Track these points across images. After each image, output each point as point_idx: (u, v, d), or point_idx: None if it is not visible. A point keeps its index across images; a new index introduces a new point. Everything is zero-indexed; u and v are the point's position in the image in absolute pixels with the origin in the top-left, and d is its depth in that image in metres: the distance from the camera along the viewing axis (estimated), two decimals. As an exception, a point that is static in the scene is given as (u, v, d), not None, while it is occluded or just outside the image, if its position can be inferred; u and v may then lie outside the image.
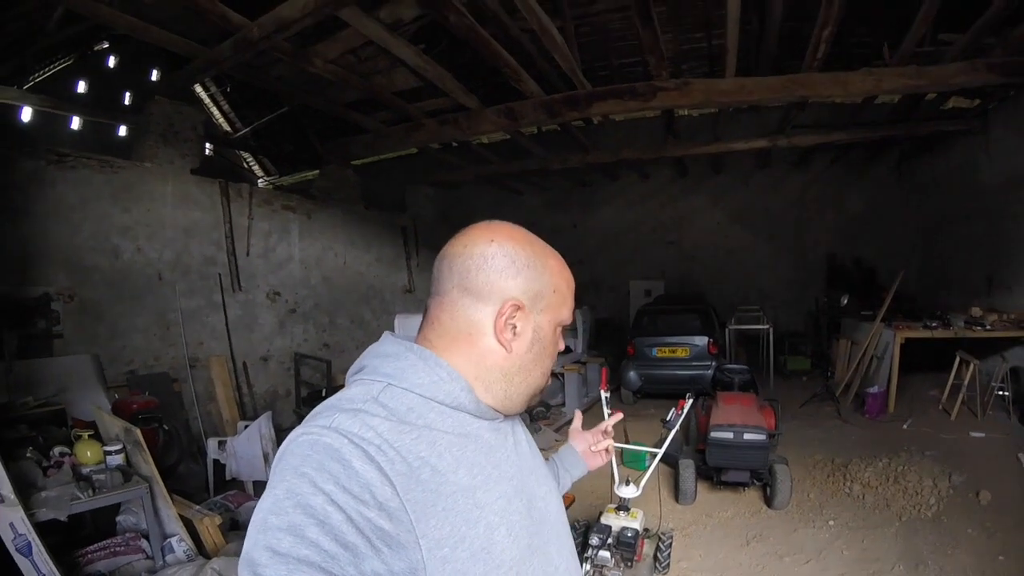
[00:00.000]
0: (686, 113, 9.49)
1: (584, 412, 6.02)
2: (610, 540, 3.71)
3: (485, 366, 0.95)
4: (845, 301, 9.70)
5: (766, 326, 9.88)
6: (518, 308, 0.94)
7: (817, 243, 12.32)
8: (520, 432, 1.10)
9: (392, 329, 5.68)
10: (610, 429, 1.67)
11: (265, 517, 0.72)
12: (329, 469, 0.73)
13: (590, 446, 1.63)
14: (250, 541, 0.72)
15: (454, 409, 0.91)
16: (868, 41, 6.66)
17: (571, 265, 1.05)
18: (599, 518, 3.99)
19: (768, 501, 5.21)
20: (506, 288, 0.93)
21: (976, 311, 7.18)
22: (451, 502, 0.81)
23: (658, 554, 4.07)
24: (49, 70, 5.87)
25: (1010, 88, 7.23)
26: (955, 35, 5.99)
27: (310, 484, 0.72)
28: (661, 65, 6.39)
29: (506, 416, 1.02)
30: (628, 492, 4.06)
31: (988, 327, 6.92)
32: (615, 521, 3.91)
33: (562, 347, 1.06)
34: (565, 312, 1.02)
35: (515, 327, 0.94)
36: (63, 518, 3.08)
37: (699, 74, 7.30)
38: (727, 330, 9.95)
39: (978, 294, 8.06)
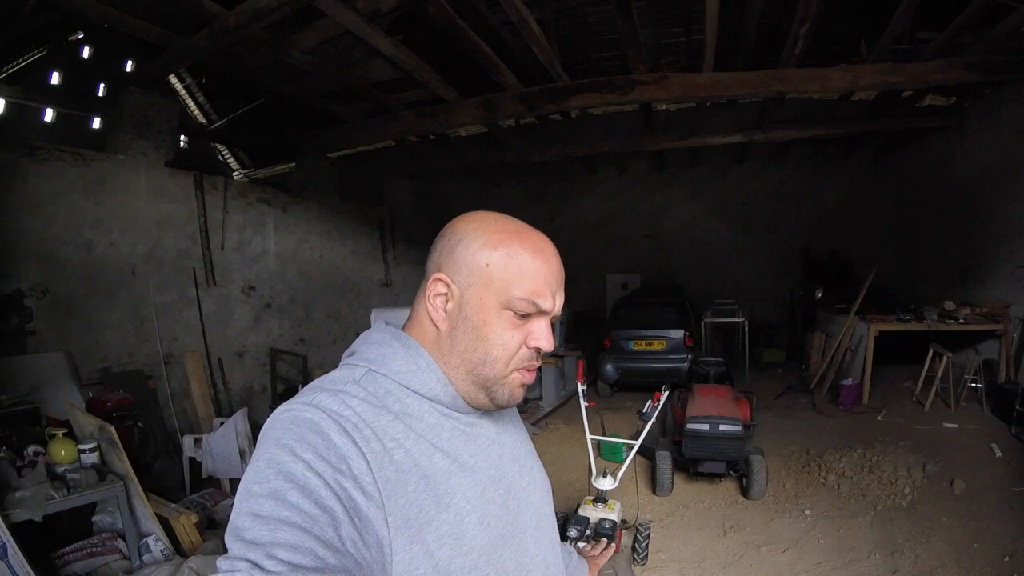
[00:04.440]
0: (664, 107, 9.52)
1: (561, 406, 5.99)
2: (588, 531, 3.75)
3: (428, 344, 0.95)
4: (820, 294, 9.84)
5: (742, 319, 9.99)
6: (439, 280, 0.92)
7: (793, 236, 12.47)
8: (507, 420, 1.10)
9: (368, 324, 5.67)
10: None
11: (248, 486, 0.74)
12: (308, 440, 0.76)
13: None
14: (235, 511, 0.74)
15: (429, 400, 0.92)
16: (846, 37, 6.72)
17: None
18: (577, 510, 4.04)
19: (744, 491, 5.29)
20: (439, 264, 0.93)
21: (950, 304, 7.31)
22: (422, 485, 0.82)
23: (636, 545, 4.14)
24: (22, 61, 5.70)
25: (986, 86, 7.34)
26: (933, 33, 6.06)
27: (290, 453, 0.75)
28: (639, 58, 6.40)
29: (481, 411, 1.00)
30: (606, 484, 4.11)
31: (961, 320, 7.08)
32: (593, 513, 3.96)
33: (535, 343, 0.93)
34: (514, 291, 0.90)
35: (445, 302, 0.93)
36: (38, 518, 3.03)
37: (677, 68, 7.29)
38: (703, 323, 10.05)
39: (952, 287, 8.22)
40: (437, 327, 0.93)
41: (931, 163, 9.45)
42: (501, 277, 0.90)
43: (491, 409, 0.98)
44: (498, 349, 0.91)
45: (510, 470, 1.00)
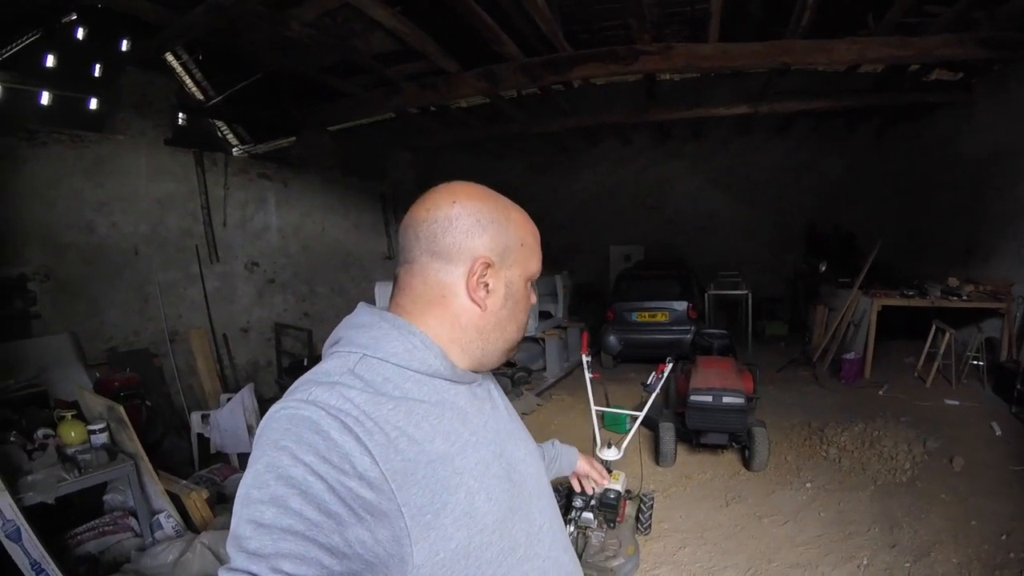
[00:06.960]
0: (667, 77, 9.38)
1: (565, 377, 6.00)
2: (593, 502, 3.77)
3: (460, 326, 0.96)
4: (824, 268, 9.81)
5: (745, 291, 9.97)
6: (488, 265, 0.95)
7: (797, 209, 12.37)
8: (497, 396, 1.12)
9: (372, 297, 5.60)
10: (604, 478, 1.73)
11: (247, 491, 0.73)
12: (308, 441, 0.74)
13: (586, 473, 1.69)
14: (235, 518, 0.73)
15: (430, 376, 0.91)
16: (853, 9, 6.58)
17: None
18: (582, 481, 4.07)
19: (746, 463, 5.32)
20: (474, 247, 0.94)
21: (953, 281, 7.29)
22: (430, 470, 0.81)
23: (640, 515, 4.17)
24: (16, 46, 5.63)
25: (995, 62, 7.22)
26: (942, 7, 5.93)
27: (290, 456, 0.73)
28: (643, 29, 6.29)
29: (483, 377, 1.05)
30: (610, 455, 4.15)
31: (965, 297, 7.05)
32: (598, 483, 4.00)
33: (534, 300, 1.07)
34: (534, 264, 1.04)
35: (487, 284, 0.96)
36: (51, 500, 3.07)
37: (681, 38, 7.17)
38: (707, 295, 10.04)
39: (956, 264, 8.17)
40: (481, 307, 0.96)
41: (937, 138, 9.33)
42: (528, 253, 1.02)
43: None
44: (526, 315, 1.05)
45: (508, 444, 1.02)
